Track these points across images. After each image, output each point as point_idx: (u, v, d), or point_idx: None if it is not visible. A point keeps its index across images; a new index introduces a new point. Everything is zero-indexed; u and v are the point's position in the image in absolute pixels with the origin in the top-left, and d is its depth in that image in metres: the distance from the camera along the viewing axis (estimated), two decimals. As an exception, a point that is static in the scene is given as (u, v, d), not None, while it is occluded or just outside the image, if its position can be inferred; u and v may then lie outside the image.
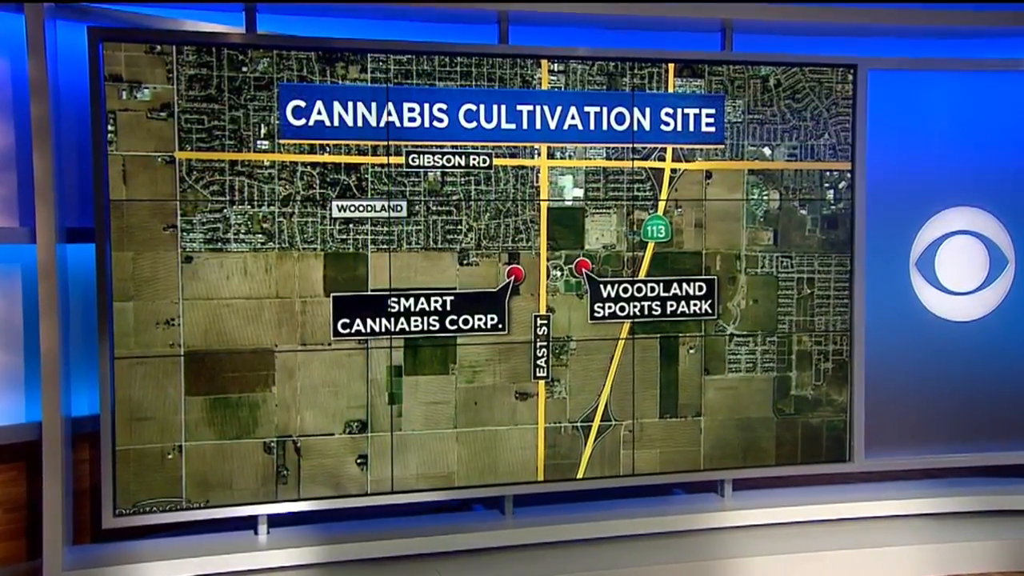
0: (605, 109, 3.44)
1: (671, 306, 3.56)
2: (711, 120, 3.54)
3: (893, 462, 3.85)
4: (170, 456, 3.16)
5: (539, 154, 3.41)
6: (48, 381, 3.01)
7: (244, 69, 3.14)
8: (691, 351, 3.59)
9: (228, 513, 3.24)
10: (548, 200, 3.43)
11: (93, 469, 3.26)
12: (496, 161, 3.37)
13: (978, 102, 3.84)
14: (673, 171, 3.52)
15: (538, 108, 3.39)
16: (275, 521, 3.37)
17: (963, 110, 3.84)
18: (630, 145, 3.48)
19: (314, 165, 3.22)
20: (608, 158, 3.47)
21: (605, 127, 3.45)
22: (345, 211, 3.25)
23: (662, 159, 3.51)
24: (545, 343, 3.45)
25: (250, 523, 3.35)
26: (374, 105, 3.25)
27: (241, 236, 3.18)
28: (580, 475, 3.52)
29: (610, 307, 3.50)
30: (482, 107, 3.34)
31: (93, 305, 3.10)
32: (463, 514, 3.60)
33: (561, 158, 3.43)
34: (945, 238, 3.86)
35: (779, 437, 3.69)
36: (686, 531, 3.62)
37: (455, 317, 3.37)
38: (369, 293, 3.29)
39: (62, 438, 3.05)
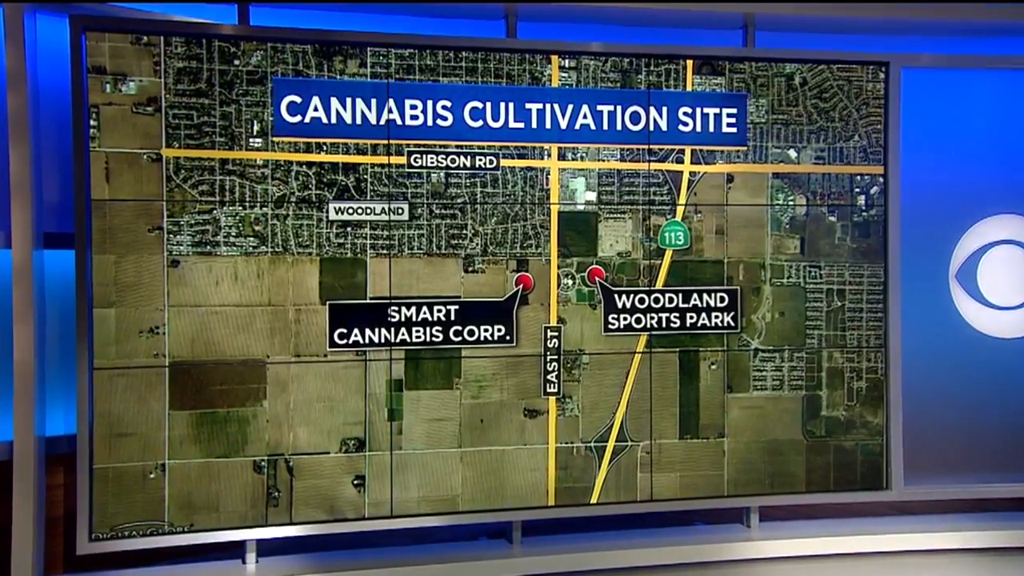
0: (619, 108, 3.28)
1: (691, 318, 3.35)
2: (732, 120, 3.36)
3: (934, 491, 3.63)
4: (152, 475, 2.98)
5: (549, 155, 3.25)
6: (21, 396, 2.86)
7: (236, 62, 3.01)
8: (713, 367, 3.37)
9: (214, 538, 3.06)
10: (559, 204, 3.25)
11: (68, 494, 3.06)
12: (503, 162, 3.21)
13: (1022, 102, 3.64)
14: (692, 174, 3.34)
15: (548, 106, 3.23)
16: (265, 548, 3.19)
17: (1006, 110, 3.65)
18: (646, 146, 3.30)
19: (310, 164, 3.07)
20: (622, 160, 3.29)
21: (619, 127, 3.28)
22: (343, 213, 3.09)
23: (680, 161, 3.33)
24: (556, 357, 3.26)
25: (238, 550, 3.17)
26: (374, 102, 3.11)
27: (232, 239, 3.02)
28: (594, 500, 3.32)
29: (625, 319, 3.31)
30: (488, 105, 3.19)
31: (71, 315, 2.93)
32: (467, 542, 3.41)
33: (572, 159, 3.26)
34: (987, 248, 3.66)
35: (809, 461, 3.46)
36: (709, 563, 3.42)
37: (460, 328, 3.19)
38: (368, 301, 3.13)
39: (35, 459, 2.88)
